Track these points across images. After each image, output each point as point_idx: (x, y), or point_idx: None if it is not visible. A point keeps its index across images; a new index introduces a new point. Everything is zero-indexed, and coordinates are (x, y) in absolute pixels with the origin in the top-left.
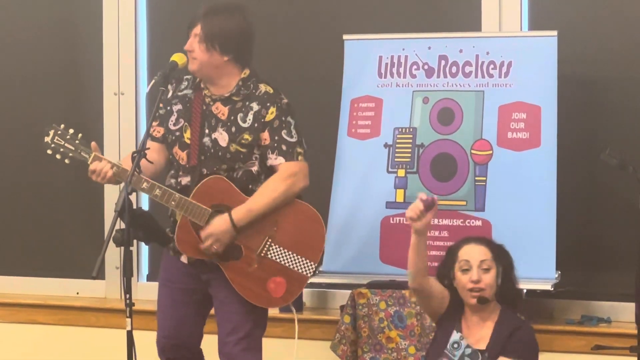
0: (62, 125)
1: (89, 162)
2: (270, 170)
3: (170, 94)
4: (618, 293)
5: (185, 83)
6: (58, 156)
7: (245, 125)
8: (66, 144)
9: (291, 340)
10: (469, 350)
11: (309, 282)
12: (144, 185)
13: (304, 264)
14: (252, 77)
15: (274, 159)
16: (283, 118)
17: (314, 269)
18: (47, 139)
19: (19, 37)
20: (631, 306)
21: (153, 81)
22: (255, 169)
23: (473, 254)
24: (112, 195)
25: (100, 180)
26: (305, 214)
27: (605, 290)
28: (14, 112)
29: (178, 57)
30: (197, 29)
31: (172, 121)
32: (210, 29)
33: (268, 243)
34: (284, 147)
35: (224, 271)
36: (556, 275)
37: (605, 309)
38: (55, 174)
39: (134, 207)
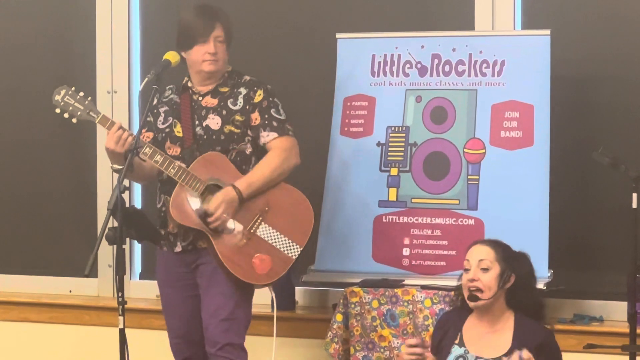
0: (73, 87)
1: (96, 121)
2: (263, 152)
3: (155, 102)
4: (610, 292)
5: (169, 91)
6: (66, 115)
7: (236, 107)
8: (75, 103)
9: (284, 339)
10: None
11: (302, 280)
12: (147, 149)
13: (290, 246)
14: (234, 72)
15: (267, 136)
16: (270, 99)
17: (299, 252)
18: (58, 97)
19: (11, 35)
20: (623, 305)
21: (146, 79)
22: (248, 150)
23: (474, 253)
24: (104, 193)
25: (120, 147)
26: (296, 198)
27: (597, 289)
28: (7, 110)
29: (171, 56)
30: (218, 32)
31: (160, 121)
32: (229, 29)
33: (258, 221)
34: (275, 124)
35: (213, 243)
36: (548, 274)
37: (598, 307)
38: (47, 171)
39: (127, 205)
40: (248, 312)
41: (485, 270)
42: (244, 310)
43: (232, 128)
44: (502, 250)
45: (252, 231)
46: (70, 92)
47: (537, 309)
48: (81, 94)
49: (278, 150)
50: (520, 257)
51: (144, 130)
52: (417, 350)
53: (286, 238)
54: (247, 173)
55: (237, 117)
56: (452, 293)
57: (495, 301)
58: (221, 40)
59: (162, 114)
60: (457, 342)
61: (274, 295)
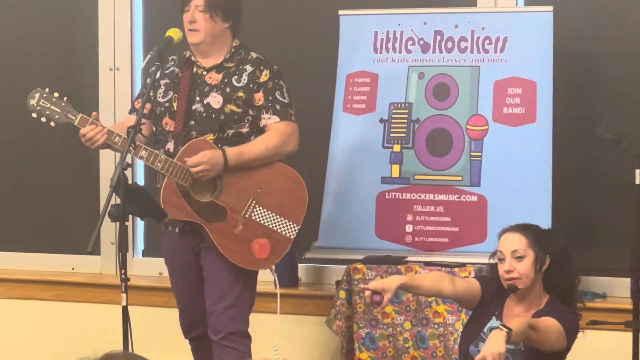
0: (47, 89)
1: (75, 123)
2: (260, 132)
3: (157, 74)
4: (613, 268)
5: (172, 62)
6: (43, 119)
7: (240, 84)
8: (52, 107)
9: (287, 316)
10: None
11: (305, 257)
12: (131, 147)
13: (287, 226)
14: (242, 47)
15: (268, 118)
16: (276, 80)
17: (296, 231)
18: (32, 102)
19: (13, 12)
20: (626, 281)
21: (148, 56)
22: (245, 130)
23: (506, 243)
24: (107, 170)
25: (90, 145)
26: (287, 176)
27: (600, 266)
28: (8, 87)
29: (174, 32)
30: (198, 1)
31: (160, 94)
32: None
33: (252, 204)
34: (278, 107)
35: (210, 234)
36: None
37: (601, 284)
38: (49, 149)
39: (129, 182)
40: (252, 296)
41: (520, 259)
42: (248, 296)
43: (234, 107)
44: (533, 234)
45: (247, 216)
46: (44, 95)
47: (571, 289)
48: (56, 94)
49: (278, 132)
50: (551, 235)
51: (140, 100)
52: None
53: (282, 218)
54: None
55: (240, 94)
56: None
57: (533, 285)
58: (201, 10)
59: (163, 87)
60: (497, 314)
61: (275, 275)
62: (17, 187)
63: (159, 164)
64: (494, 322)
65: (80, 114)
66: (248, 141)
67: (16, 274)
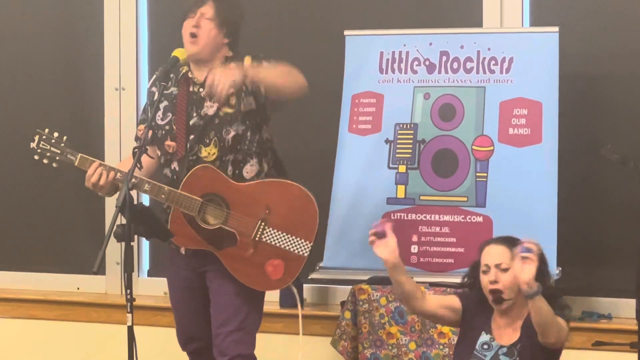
0: (47, 130)
1: (75, 164)
2: (256, 128)
3: (155, 96)
4: (619, 289)
5: (170, 82)
6: (45, 161)
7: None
8: (52, 148)
9: (293, 336)
10: (504, 349)
11: (310, 278)
12: (133, 180)
13: (299, 244)
14: (235, 57)
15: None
16: (260, 57)
17: (309, 248)
18: (33, 145)
19: (20, 32)
20: (632, 302)
21: (154, 76)
22: (241, 129)
23: (491, 255)
24: None
25: (98, 190)
26: (296, 194)
27: (605, 286)
28: (15, 107)
29: (179, 53)
30: (206, 9)
31: (159, 117)
32: (222, 10)
33: (262, 227)
34: (265, 63)
35: (221, 259)
36: (557, 272)
37: (606, 305)
38: (55, 169)
39: (135, 202)
40: (258, 319)
41: (504, 270)
42: (254, 318)
43: (227, 109)
44: (516, 247)
45: (257, 239)
46: (44, 137)
47: (555, 300)
48: (55, 134)
49: (281, 65)
50: None
51: (142, 127)
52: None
53: (294, 237)
54: (243, 150)
55: (231, 98)
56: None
57: (516, 297)
58: (207, 17)
59: (162, 109)
60: (485, 329)
61: (296, 291)
62: (23, 207)
63: (162, 196)
64: (484, 336)
65: (80, 154)
66: (245, 138)
67: (21, 293)
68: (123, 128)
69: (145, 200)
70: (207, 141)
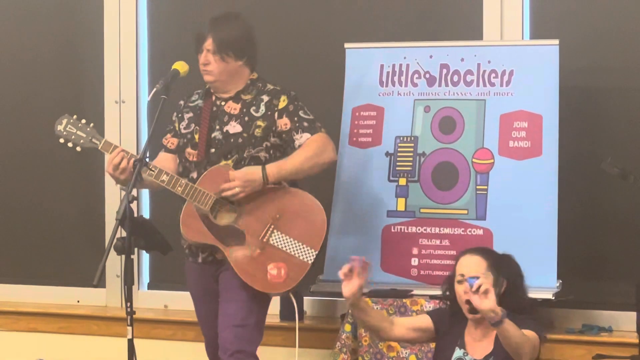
0: (75, 116)
1: (99, 148)
2: (278, 156)
3: (182, 106)
4: (619, 302)
5: (196, 96)
6: (70, 144)
7: (258, 114)
8: (78, 132)
9: (293, 349)
10: None
11: (310, 290)
12: (152, 169)
13: (305, 251)
14: (260, 79)
15: (300, 138)
16: (295, 102)
17: (314, 256)
18: (60, 127)
19: (19, 47)
20: (632, 315)
21: (154, 89)
22: (263, 154)
23: (467, 265)
24: (113, 203)
25: (119, 174)
26: (307, 203)
27: (606, 299)
28: (15, 119)
29: (179, 65)
30: (208, 44)
31: (182, 126)
32: (221, 40)
33: (270, 229)
34: (305, 124)
35: (227, 257)
36: (557, 284)
37: (607, 318)
38: (56, 181)
39: (135, 215)
40: (262, 319)
41: None
42: (258, 318)
43: (252, 133)
44: (492, 258)
45: (264, 240)
46: (72, 120)
47: (531, 312)
48: (83, 121)
49: (312, 144)
50: (507, 260)
51: (169, 136)
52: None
53: (301, 243)
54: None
55: (259, 123)
56: (441, 302)
57: None
58: (211, 51)
59: (186, 120)
60: (458, 344)
61: (295, 303)
62: (23, 220)
63: (179, 188)
64: (458, 352)
65: (104, 139)
66: (265, 162)
67: (21, 306)
68: (123, 140)
69: (146, 213)
70: (228, 157)
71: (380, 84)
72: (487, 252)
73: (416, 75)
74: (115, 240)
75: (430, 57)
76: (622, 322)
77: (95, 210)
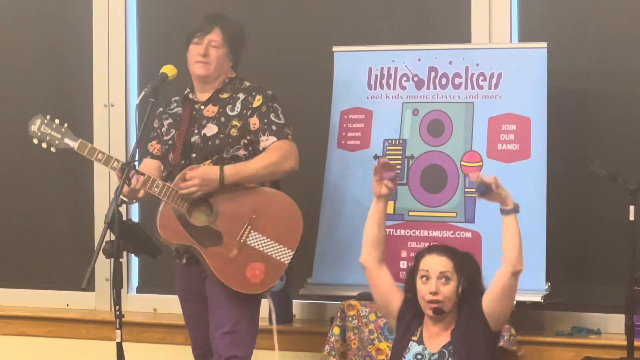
0: (48, 116)
1: (75, 149)
2: (258, 152)
3: (162, 112)
4: (608, 305)
5: (175, 104)
6: (44, 145)
7: (234, 113)
8: (52, 132)
9: (284, 353)
10: (435, 356)
11: (299, 294)
12: (132, 172)
13: (282, 251)
14: (237, 78)
15: (266, 140)
16: (270, 104)
17: (291, 256)
18: (34, 128)
19: (9, 48)
20: (621, 317)
21: (143, 93)
22: (242, 152)
23: (433, 264)
24: (102, 206)
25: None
26: (283, 202)
27: (595, 302)
28: (3, 122)
29: (168, 69)
30: (214, 36)
31: (163, 132)
32: (230, 35)
33: (247, 229)
34: (274, 128)
35: (205, 257)
36: (546, 287)
37: (595, 320)
38: (45, 185)
39: (124, 218)
40: (254, 323)
41: (446, 281)
42: (249, 322)
43: (232, 131)
44: (457, 258)
45: (242, 241)
46: (45, 121)
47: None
48: (57, 121)
49: (276, 150)
50: (467, 259)
51: (154, 142)
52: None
53: (277, 244)
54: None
55: (234, 122)
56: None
57: (452, 307)
58: (215, 45)
59: (166, 126)
60: (416, 338)
61: (272, 308)
62: (12, 223)
63: (156, 189)
64: (417, 347)
65: (80, 139)
66: (244, 160)
67: (10, 310)
68: (112, 144)
69: (135, 216)
70: (206, 158)
71: (369, 87)
72: (452, 253)
73: (404, 78)
74: (104, 244)
75: (419, 60)
76: (611, 324)
77: (84, 214)
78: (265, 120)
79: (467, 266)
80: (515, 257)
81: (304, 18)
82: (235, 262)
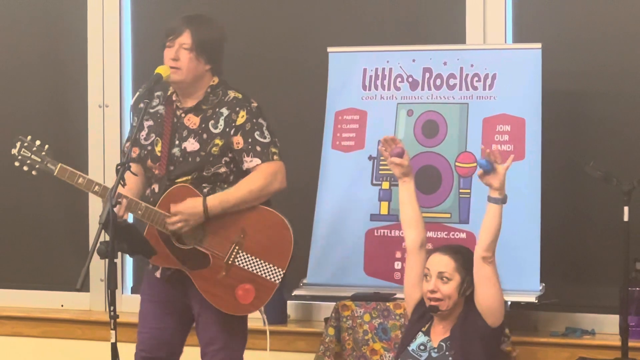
0: (29, 137)
1: (55, 174)
2: (242, 173)
3: (142, 110)
4: (602, 305)
5: (157, 100)
6: (25, 168)
7: (217, 130)
8: (33, 156)
9: (278, 353)
10: (435, 349)
11: (294, 294)
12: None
13: (271, 271)
14: (220, 85)
15: (250, 162)
16: (254, 120)
17: (281, 276)
18: (14, 151)
19: (3, 48)
20: (615, 318)
21: (137, 93)
22: (223, 170)
23: (434, 263)
24: (96, 207)
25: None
26: (272, 220)
27: (589, 302)
28: None
29: (163, 70)
30: (184, 39)
31: (142, 136)
32: (200, 38)
33: (235, 250)
34: (258, 148)
35: (193, 280)
36: (540, 288)
37: (590, 320)
38: (38, 186)
39: (118, 219)
40: (243, 337)
41: (445, 281)
42: (239, 336)
43: (210, 152)
44: (463, 258)
45: (230, 262)
46: (25, 143)
47: (501, 310)
48: (37, 143)
49: (261, 174)
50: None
51: (128, 144)
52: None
53: (267, 263)
54: (222, 186)
55: (217, 141)
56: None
57: (455, 308)
58: (187, 48)
59: (146, 129)
60: (424, 329)
61: (264, 314)
62: (6, 223)
63: (139, 212)
64: (422, 337)
65: (60, 164)
66: (227, 180)
67: (5, 310)
68: (107, 145)
69: (129, 217)
70: (185, 174)
71: (363, 88)
72: (458, 252)
73: (399, 79)
74: (98, 244)
75: (413, 61)
76: (605, 325)
77: (79, 214)
78: (250, 140)
79: (472, 268)
80: (488, 242)
81: (298, 19)
82: (223, 284)
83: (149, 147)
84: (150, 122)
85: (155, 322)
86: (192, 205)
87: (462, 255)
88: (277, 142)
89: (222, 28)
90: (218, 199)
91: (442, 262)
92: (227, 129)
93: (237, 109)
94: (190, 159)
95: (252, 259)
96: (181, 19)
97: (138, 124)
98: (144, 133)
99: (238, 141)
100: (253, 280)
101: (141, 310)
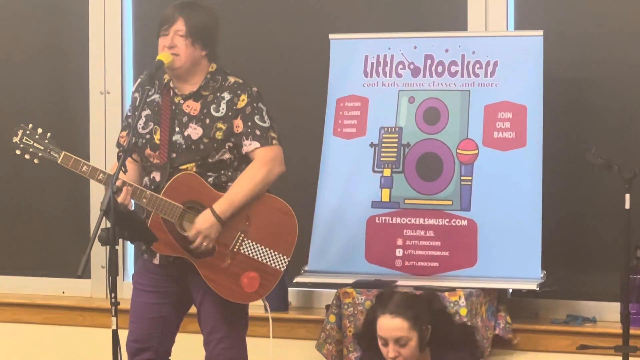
0: (30, 125)
1: (58, 162)
2: (244, 158)
3: (138, 102)
4: (603, 293)
5: (153, 90)
6: (27, 156)
7: (219, 114)
8: (35, 144)
9: (279, 340)
10: None
11: (295, 281)
12: (117, 183)
13: (277, 258)
14: (219, 71)
15: (249, 145)
16: (255, 104)
17: (286, 263)
18: (16, 139)
19: (4, 36)
20: (616, 306)
21: (139, 80)
22: (227, 156)
23: (387, 330)
24: (97, 194)
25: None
26: (277, 207)
27: (590, 290)
28: None
29: (164, 56)
30: (178, 26)
31: (140, 125)
32: (194, 24)
33: (240, 238)
34: (257, 132)
35: (198, 268)
36: (541, 275)
37: (591, 308)
38: (40, 173)
39: (121, 206)
40: (245, 324)
41: (404, 344)
42: (241, 324)
43: (213, 137)
44: (413, 314)
45: (235, 250)
46: (28, 131)
47: (470, 334)
48: (40, 130)
49: (262, 161)
50: (427, 304)
51: (123, 133)
52: None
53: (272, 251)
54: (229, 188)
55: (220, 125)
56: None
57: (422, 356)
58: (182, 35)
59: (143, 117)
60: None
61: (266, 302)
62: (7, 211)
63: (144, 200)
64: None
65: (64, 152)
66: (231, 167)
67: (6, 297)
68: (108, 131)
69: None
70: (189, 161)
71: (365, 75)
72: (406, 310)
73: (400, 66)
74: (99, 231)
75: (415, 47)
76: (606, 312)
77: (80, 201)
78: (249, 124)
79: (426, 312)
80: None
81: (300, 5)
82: (228, 272)
83: (147, 136)
84: (148, 111)
85: (147, 312)
86: (204, 220)
87: (411, 308)
88: (275, 127)
89: (215, 14)
90: (226, 203)
91: (396, 326)
92: (229, 113)
93: (239, 92)
94: (193, 147)
95: (258, 247)
96: (174, 7)
97: (139, 111)
98: (141, 122)
99: (238, 124)
100: (258, 268)
101: (133, 299)
